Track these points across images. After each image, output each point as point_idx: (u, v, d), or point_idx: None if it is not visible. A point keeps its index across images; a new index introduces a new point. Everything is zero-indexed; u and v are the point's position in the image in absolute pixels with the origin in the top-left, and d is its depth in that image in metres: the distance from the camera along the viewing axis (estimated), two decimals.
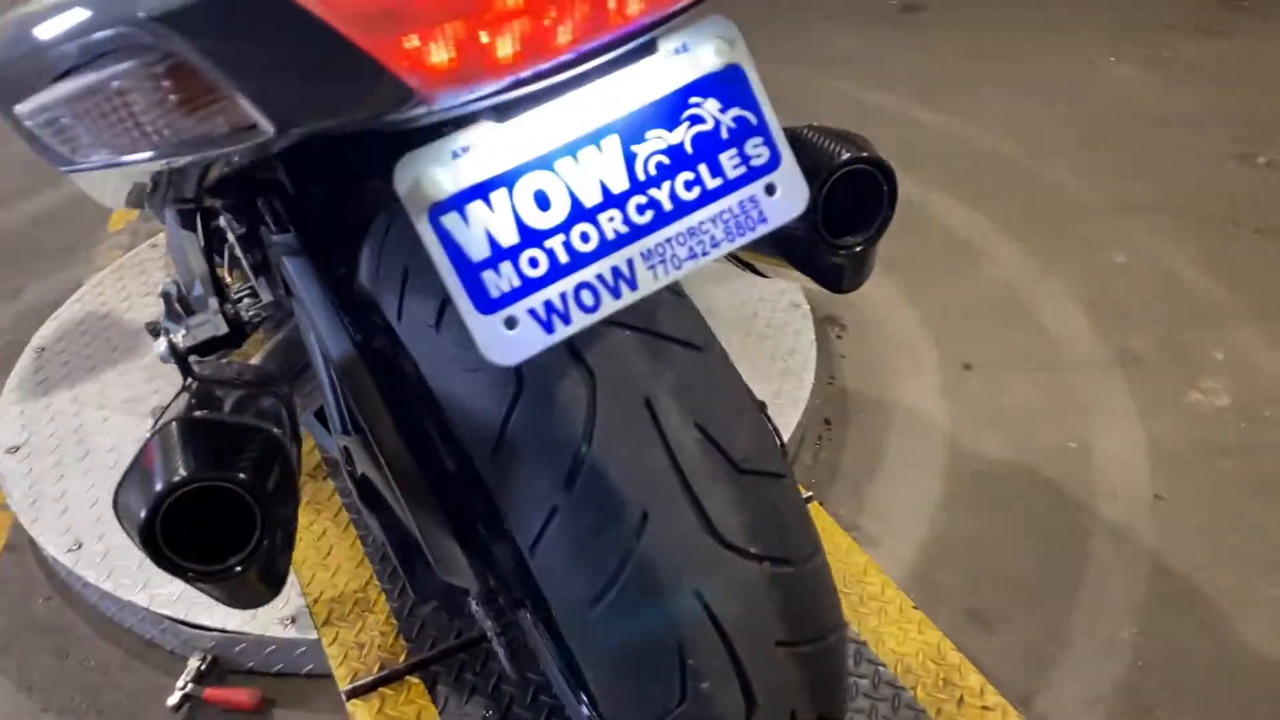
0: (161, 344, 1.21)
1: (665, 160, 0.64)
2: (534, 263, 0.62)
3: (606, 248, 0.63)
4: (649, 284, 0.65)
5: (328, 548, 1.72)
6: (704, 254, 0.66)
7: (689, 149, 0.65)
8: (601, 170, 0.63)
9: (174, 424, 0.75)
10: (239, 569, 0.83)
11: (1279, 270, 2.54)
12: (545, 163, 0.62)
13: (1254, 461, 2.00)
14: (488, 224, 0.61)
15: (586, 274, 0.63)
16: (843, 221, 1.02)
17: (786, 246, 1.08)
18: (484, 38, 0.53)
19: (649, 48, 0.63)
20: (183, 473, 0.70)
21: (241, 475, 0.77)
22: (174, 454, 0.73)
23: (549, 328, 0.63)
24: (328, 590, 1.63)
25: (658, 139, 0.64)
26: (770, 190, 0.67)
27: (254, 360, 1.22)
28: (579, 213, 0.63)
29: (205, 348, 1.22)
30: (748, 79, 0.66)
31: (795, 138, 1.07)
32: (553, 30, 0.55)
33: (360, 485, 1.19)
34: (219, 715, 1.62)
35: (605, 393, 0.87)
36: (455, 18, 0.52)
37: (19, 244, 2.96)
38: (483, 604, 1.18)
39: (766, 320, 2.25)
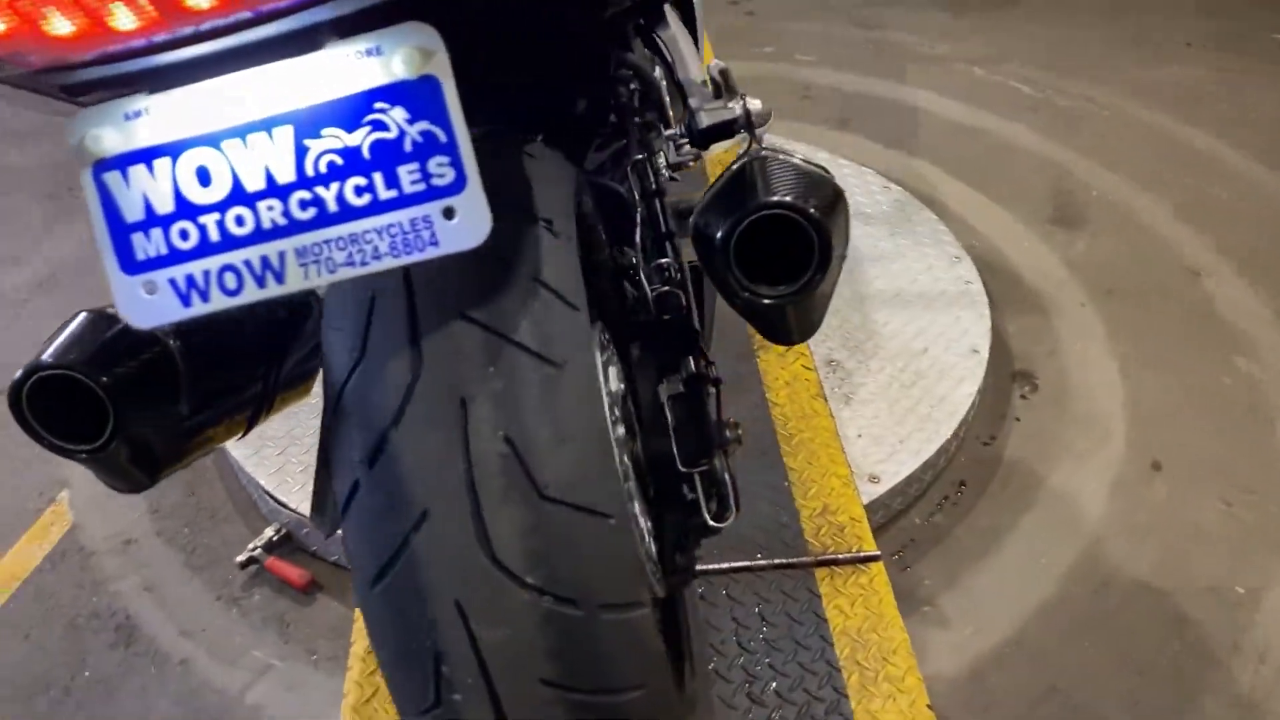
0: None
1: (338, 161, 0.62)
2: (184, 235, 0.63)
3: (260, 236, 0.63)
4: (298, 281, 0.64)
5: None
6: (363, 264, 0.64)
7: (366, 154, 0.62)
8: (269, 158, 0.62)
9: None
10: (98, 451, 0.93)
11: None
12: (213, 140, 0.62)
13: None
14: (146, 189, 0.63)
15: (234, 257, 0.63)
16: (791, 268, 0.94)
17: (720, 284, 1.00)
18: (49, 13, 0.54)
19: (311, 38, 0.61)
20: None
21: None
22: None
23: (186, 301, 0.64)
24: None
25: (334, 138, 0.62)
26: (449, 214, 0.63)
27: None
28: (238, 196, 0.63)
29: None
30: (443, 94, 0.62)
31: (746, 167, 0.98)
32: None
33: None
34: (274, 584, 1.80)
35: (426, 382, 0.86)
36: None
37: None
38: None
39: (934, 359, 2.07)
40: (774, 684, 1.49)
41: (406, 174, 0.62)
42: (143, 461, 1.03)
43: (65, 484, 2.08)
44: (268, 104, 0.63)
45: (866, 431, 1.91)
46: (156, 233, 0.63)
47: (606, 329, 1.17)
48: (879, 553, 1.69)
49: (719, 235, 0.94)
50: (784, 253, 0.95)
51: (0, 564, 1.89)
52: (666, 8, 1.22)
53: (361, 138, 0.62)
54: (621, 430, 1.13)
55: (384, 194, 0.63)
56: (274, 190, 0.63)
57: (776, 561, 1.67)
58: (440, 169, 0.62)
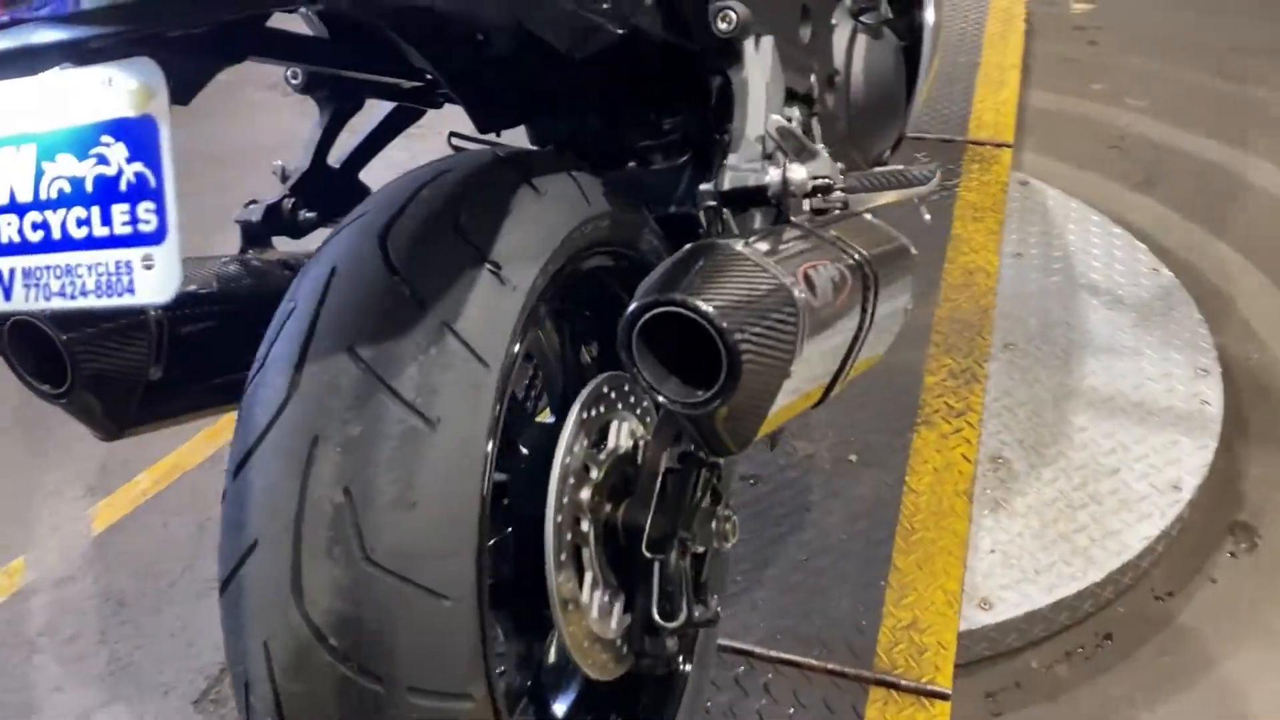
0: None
1: (67, 189, 0.59)
2: None
3: None
4: (20, 301, 0.62)
5: None
6: (71, 298, 0.61)
7: (89, 187, 0.59)
8: (13, 175, 0.61)
9: None
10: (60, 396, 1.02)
11: None
12: None
13: None
14: None
15: None
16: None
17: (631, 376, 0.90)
18: None
19: (76, 55, 0.58)
20: None
21: None
22: None
23: None
24: None
25: (67, 165, 0.59)
26: (148, 263, 0.58)
27: None
28: None
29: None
30: (159, 137, 0.57)
31: (688, 255, 0.85)
32: None
33: None
34: None
35: (291, 410, 0.84)
36: None
37: None
38: None
39: (1122, 485, 1.76)
40: None
41: (119, 214, 0.59)
42: (110, 414, 1.08)
43: None
44: (17, 120, 0.61)
45: (1002, 548, 1.66)
46: None
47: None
48: (949, 691, 1.47)
49: (622, 323, 0.83)
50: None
51: (170, 455, 2.11)
52: (749, 45, 1.09)
53: (87, 169, 0.59)
54: (585, 493, 1.04)
55: (98, 230, 0.59)
56: (13, 207, 0.62)
57: (831, 666, 1.49)
58: (146, 214, 0.58)
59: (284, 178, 1.28)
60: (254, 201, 1.25)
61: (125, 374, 1.05)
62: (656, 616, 1.07)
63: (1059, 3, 3.97)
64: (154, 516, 1.97)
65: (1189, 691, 1.56)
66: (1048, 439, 1.85)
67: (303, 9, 1.04)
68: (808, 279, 0.86)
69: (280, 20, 0.92)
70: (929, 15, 1.82)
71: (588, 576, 1.08)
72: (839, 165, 1.15)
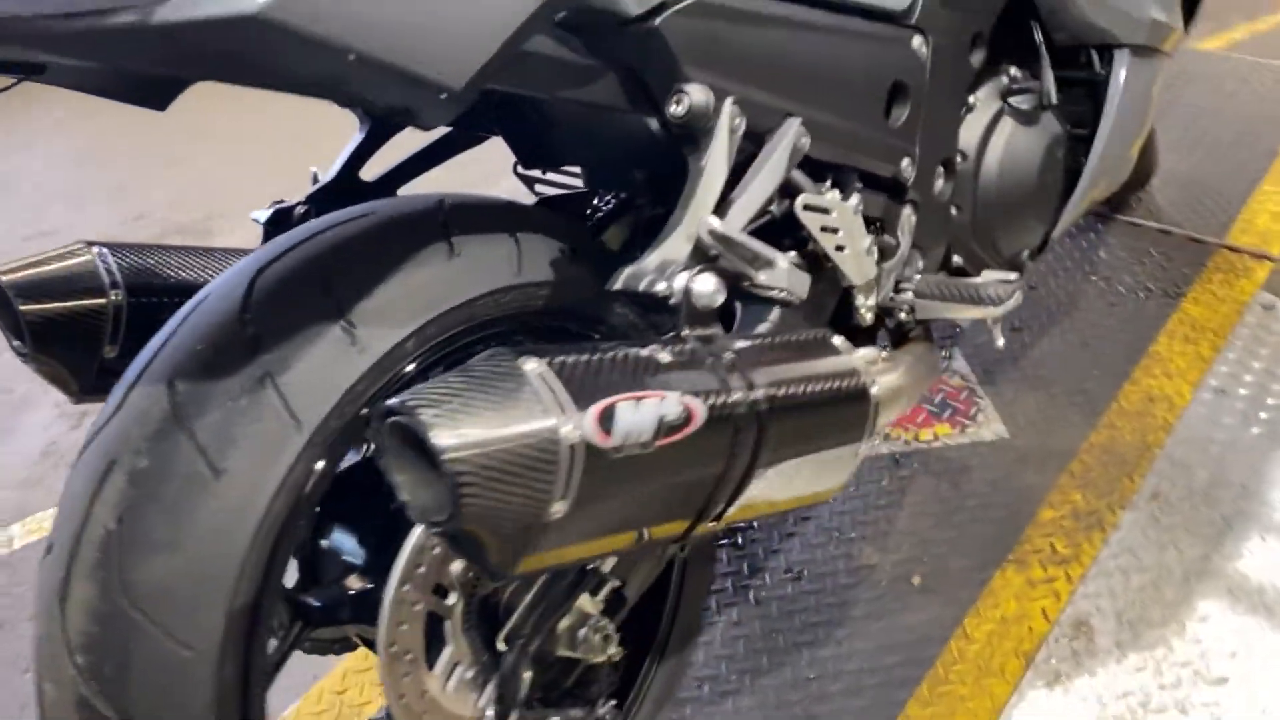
0: None
1: None
2: None
3: None
4: None
5: None
6: None
7: None
8: None
9: None
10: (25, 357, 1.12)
11: None
12: None
13: None
14: None
15: None
16: None
17: None
18: None
19: None
20: None
21: None
22: None
23: None
24: None
25: None
26: None
27: None
28: None
29: None
30: None
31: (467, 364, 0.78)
32: None
33: None
34: None
35: (106, 429, 0.88)
36: None
37: None
38: None
39: (1219, 698, 1.45)
40: None
41: None
42: (69, 380, 1.17)
43: None
44: None
45: None
46: None
47: None
48: None
49: (370, 424, 0.79)
50: None
51: None
52: (720, 132, 0.99)
53: None
54: (458, 566, 1.00)
55: None
56: None
57: None
58: None
59: (314, 181, 1.31)
60: (280, 201, 1.30)
61: (79, 349, 1.13)
62: (490, 709, 1.02)
63: None
64: None
65: None
66: (1155, 619, 1.56)
67: None
68: (605, 413, 0.76)
69: None
70: (1113, 108, 1.58)
71: (447, 650, 1.04)
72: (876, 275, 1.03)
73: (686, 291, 0.90)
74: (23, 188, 3.68)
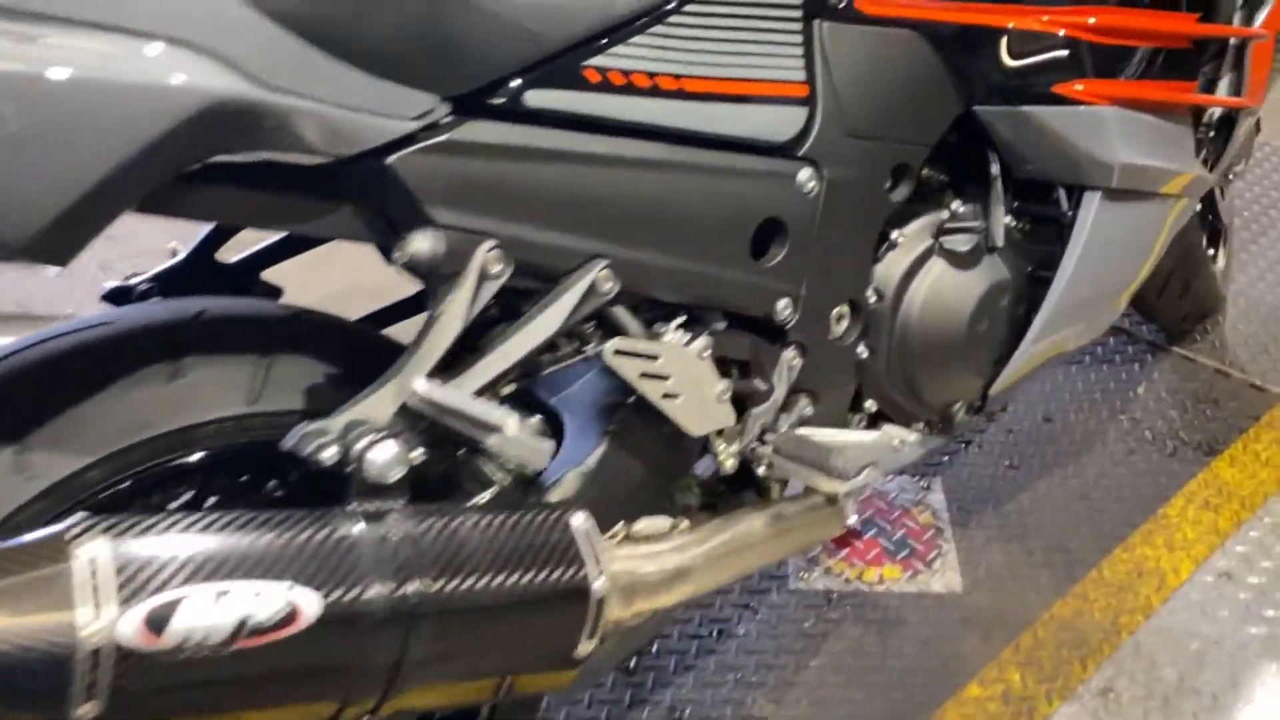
0: None
1: None
2: None
3: None
4: None
5: None
6: None
7: None
8: None
9: None
10: None
11: None
12: None
13: None
14: None
15: None
16: None
17: None
18: None
19: None
20: None
21: None
22: None
23: None
24: None
25: None
26: None
27: None
28: None
29: None
30: None
31: None
32: None
33: None
34: None
35: None
36: None
37: None
38: None
39: None
40: None
41: None
42: None
43: None
44: None
45: None
46: None
47: None
48: None
49: None
50: None
51: None
52: (464, 285, 0.90)
53: None
54: None
55: None
56: None
57: None
58: None
59: (171, 255, 1.27)
60: (134, 275, 1.26)
61: None
62: None
63: None
64: None
65: None
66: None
67: None
68: (159, 612, 0.69)
69: None
70: (1075, 251, 1.41)
71: None
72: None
73: (360, 460, 0.82)
74: None
